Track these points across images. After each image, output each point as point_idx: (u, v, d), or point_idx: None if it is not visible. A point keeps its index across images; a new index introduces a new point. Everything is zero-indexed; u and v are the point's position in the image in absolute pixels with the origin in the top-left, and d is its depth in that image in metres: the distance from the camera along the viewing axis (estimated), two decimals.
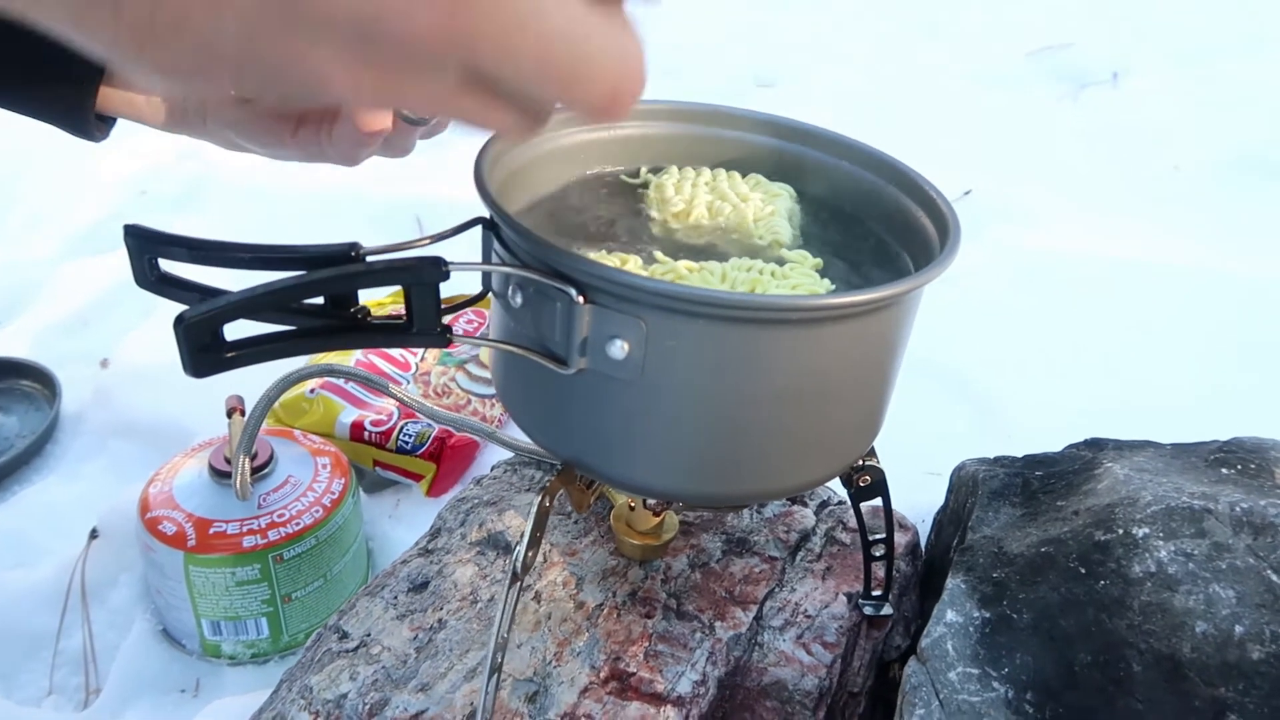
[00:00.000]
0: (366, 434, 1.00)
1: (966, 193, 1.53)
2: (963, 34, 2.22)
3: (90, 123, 0.52)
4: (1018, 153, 1.73)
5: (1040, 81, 2.03)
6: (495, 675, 0.57)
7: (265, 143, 0.53)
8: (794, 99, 1.91)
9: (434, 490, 1.01)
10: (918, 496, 0.90)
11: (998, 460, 0.77)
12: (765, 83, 2.05)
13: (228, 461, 0.84)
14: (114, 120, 0.54)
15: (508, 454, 0.86)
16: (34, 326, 1.28)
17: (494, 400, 1.09)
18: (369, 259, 0.49)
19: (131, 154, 1.72)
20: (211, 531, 0.80)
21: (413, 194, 1.55)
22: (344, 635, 0.66)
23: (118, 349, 1.23)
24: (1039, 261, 1.41)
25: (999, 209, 1.49)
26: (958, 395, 1.15)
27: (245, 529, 0.80)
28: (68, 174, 1.66)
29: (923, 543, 0.83)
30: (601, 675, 0.62)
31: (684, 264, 0.56)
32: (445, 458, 1.00)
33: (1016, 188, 1.59)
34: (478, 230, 0.54)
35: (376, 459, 1.01)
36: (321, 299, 0.49)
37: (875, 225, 0.61)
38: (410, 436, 1.00)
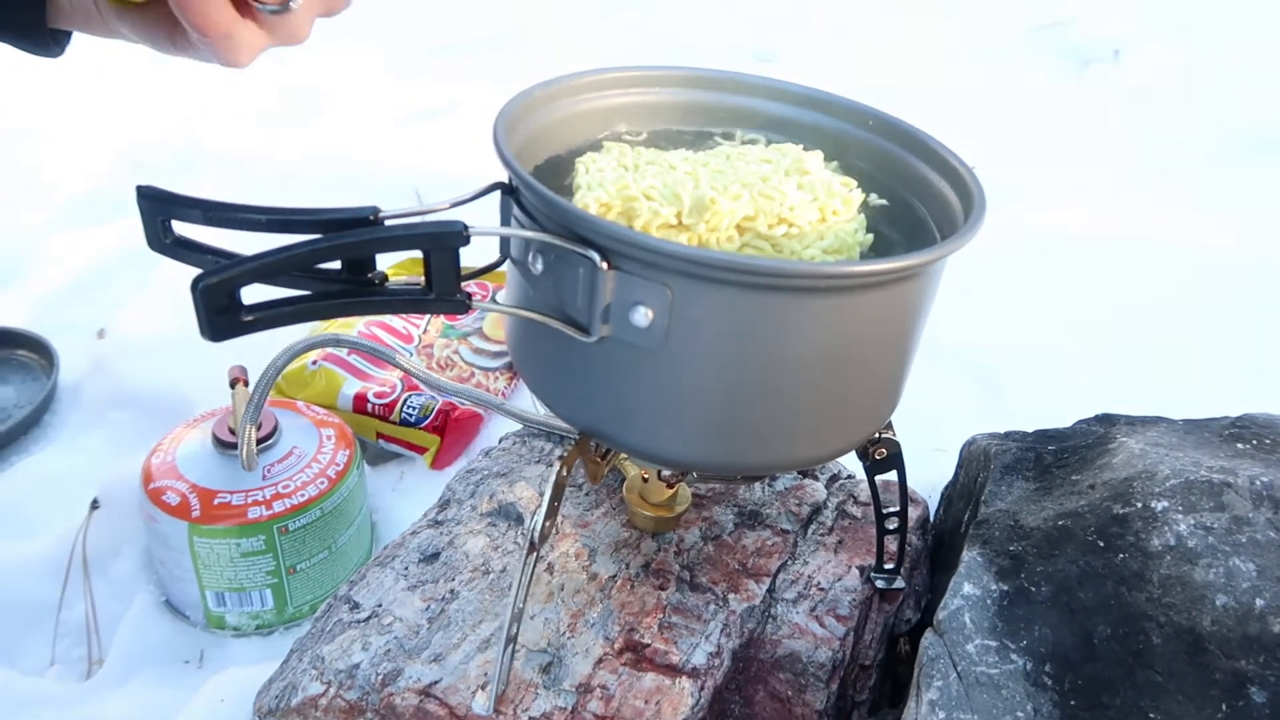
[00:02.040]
0: (370, 406, 0.99)
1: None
2: (964, 10, 2.21)
3: (45, 35, 0.52)
4: (1020, 129, 1.73)
5: (1042, 58, 2.02)
6: (511, 645, 0.56)
7: (160, 45, 0.51)
8: (793, 74, 1.90)
9: (438, 463, 1.00)
10: (924, 472, 0.89)
11: (1009, 435, 0.77)
12: (764, 58, 2.03)
13: (232, 432, 0.83)
14: (69, 35, 0.53)
15: (511, 428, 0.86)
16: (29, 296, 1.27)
17: (498, 373, 1.08)
18: (388, 223, 0.48)
19: (124, 126, 1.70)
20: (216, 502, 0.79)
21: (411, 166, 1.53)
22: (355, 606, 0.65)
23: (114, 319, 1.22)
24: (1041, 238, 1.41)
25: (1002, 186, 1.48)
26: (962, 372, 1.15)
27: (250, 500, 0.79)
28: (61, 145, 1.64)
29: (931, 517, 0.82)
30: (616, 646, 0.61)
31: (679, 154, 0.55)
32: (449, 430, 0.99)
33: (1019, 164, 1.58)
34: (494, 197, 0.53)
35: (380, 431, 1.00)
36: (339, 264, 0.48)
37: (904, 193, 0.60)
38: (414, 409, 0.99)
